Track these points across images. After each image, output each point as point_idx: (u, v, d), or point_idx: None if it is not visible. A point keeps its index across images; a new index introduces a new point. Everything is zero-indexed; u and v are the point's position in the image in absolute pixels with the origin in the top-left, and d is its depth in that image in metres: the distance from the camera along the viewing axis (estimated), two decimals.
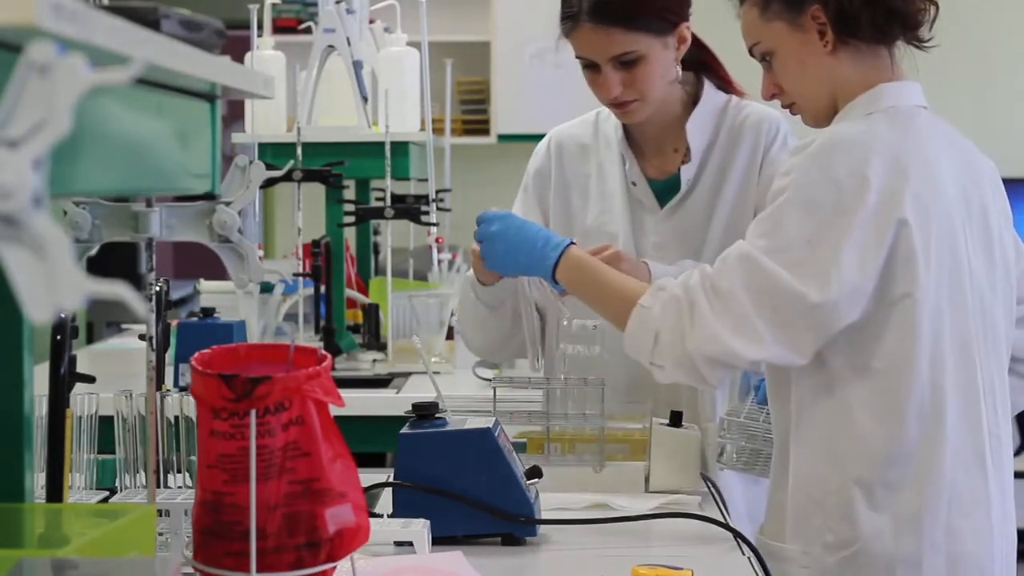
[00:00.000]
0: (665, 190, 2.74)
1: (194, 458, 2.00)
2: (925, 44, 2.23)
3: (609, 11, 2.58)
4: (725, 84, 2.76)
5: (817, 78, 2.20)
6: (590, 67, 2.63)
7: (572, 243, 2.40)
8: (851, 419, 2.14)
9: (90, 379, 1.96)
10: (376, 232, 4.97)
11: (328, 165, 3.94)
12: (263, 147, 4.00)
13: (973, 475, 2.15)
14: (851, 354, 2.13)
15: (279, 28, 4.94)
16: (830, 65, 2.19)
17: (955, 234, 2.16)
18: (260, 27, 4.16)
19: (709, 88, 2.74)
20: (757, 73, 2.30)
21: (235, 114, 4.06)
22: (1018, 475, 7.01)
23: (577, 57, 2.65)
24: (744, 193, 2.68)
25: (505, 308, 2.67)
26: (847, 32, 2.17)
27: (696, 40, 2.70)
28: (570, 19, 2.62)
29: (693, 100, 2.73)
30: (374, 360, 4.06)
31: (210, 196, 1.76)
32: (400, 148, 4.11)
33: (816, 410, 2.17)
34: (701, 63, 2.75)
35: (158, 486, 2.03)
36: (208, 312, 3.03)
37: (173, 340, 2.78)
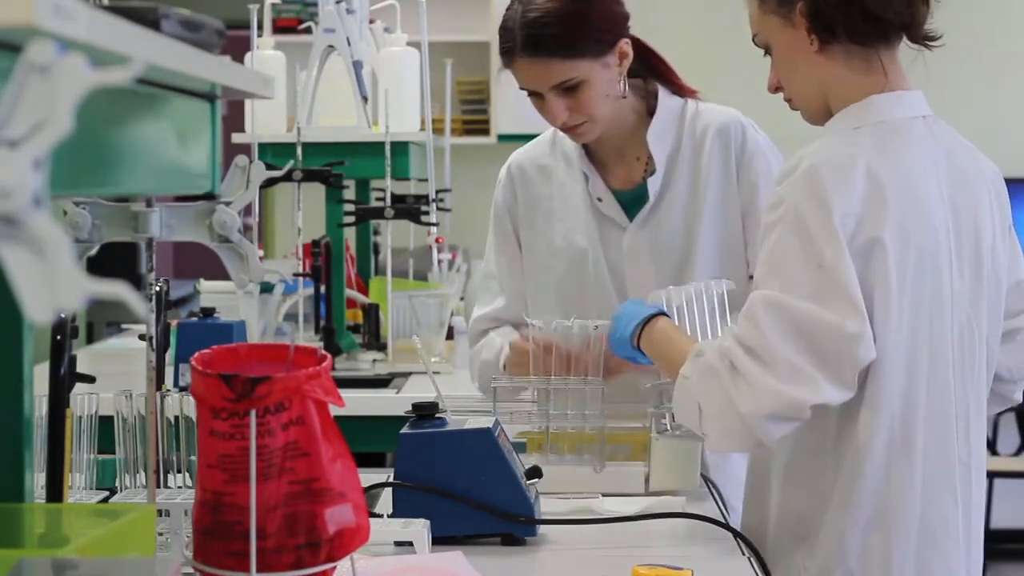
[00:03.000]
0: (632, 200, 2.73)
1: (194, 458, 2.00)
2: (932, 44, 2.17)
3: (543, 44, 2.56)
4: (676, 87, 2.75)
5: (806, 76, 2.17)
6: (535, 95, 2.63)
7: (661, 314, 2.31)
8: (830, 458, 2.11)
9: (90, 379, 1.96)
10: (376, 232, 4.97)
11: (328, 165, 3.94)
12: (263, 147, 4.00)
13: (943, 507, 2.11)
14: None
15: (279, 28, 4.95)
16: (819, 64, 2.15)
17: (939, 258, 2.10)
18: (260, 27, 4.16)
19: (664, 94, 2.73)
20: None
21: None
22: (1018, 475, 6.95)
23: (521, 87, 2.64)
24: (725, 201, 2.68)
25: None
26: (826, 32, 2.13)
27: (642, 48, 2.70)
28: (507, 54, 2.61)
29: (647, 106, 2.73)
30: (374, 360, 4.06)
31: (210, 196, 1.76)
32: (400, 148, 4.11)
33: (804, 447, 2.14)
34: (650, 69, 2.74)
35: (158, 486, 2.03)
36: (208, 312, 3.03)
37: (173, 340, 2.78)
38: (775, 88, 2.23)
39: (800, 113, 2.23)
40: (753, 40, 2.23)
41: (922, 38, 2.17)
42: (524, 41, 2.57)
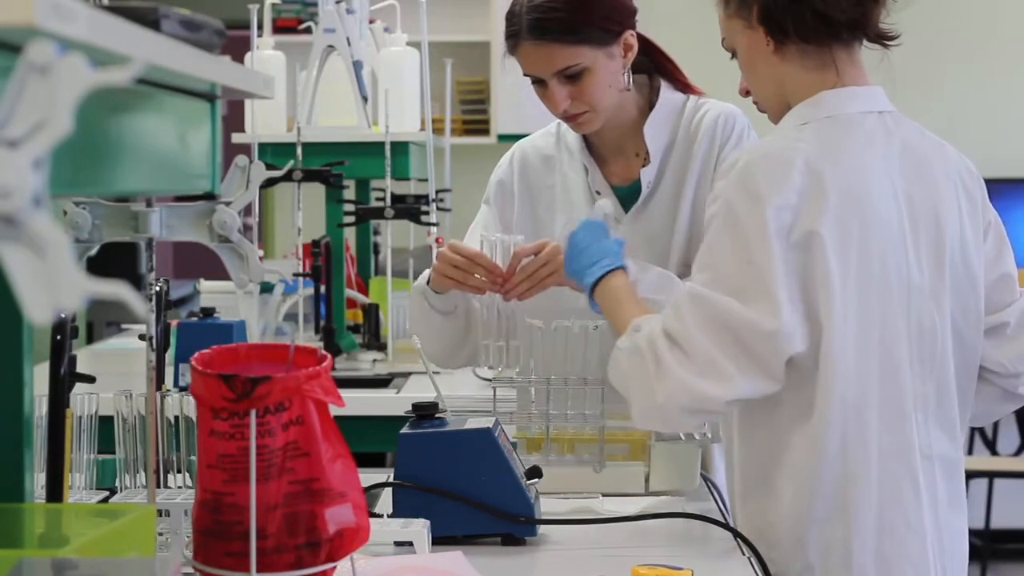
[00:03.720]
0: (630, 195, 2.74)
1: (194, 458, 2.00)
2: (889, 43, 2.17)
3: (549, 27, 2.58)
4: (682, 85, 2.76)
5: (766, 78, 2.18)
6: (538, 82, 2.64)
7: (621, 268, 2.32)
8: (783, 451, 2.11)
9: (90, 379, 1.96)
10: (376, 232, 4.97)
11: (328, 165, 3.94)
12: (263, 147, 4.00)
13: (902, 499, 2.10)
14: (792, 385, 2.07)
15: (279, 28, 4.94)
16: (776, 65, 2.16)
17: (890, 251, 2.09)
18: (260, 27, 4.16)
19: (666, 89, 2.74)
20: (721, 72, 2.28)
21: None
22: (1018, 475, 6.94)
23: (525, 74, 2.65)
24: (702, 192, 2.68)
25: (458, 313, 2.67)
26: (779, 32, 2.14)
27: (647, 44, 2.71)
28: (512, 37, 2.63)
29: (650, 103, 2.73)
30: (374, 360, 4.06)
31: (210, 196, 1.76)
32: (400, 148, 4.11)
33: (757, 440, 2.15)
34: (655, 65, 2.75)
35: (158, 486, 2.03)
36: (208, 312, 3.03)
37: (173, 340, 2.78)
38: (746, 92, 2.24)
39: (767, 115, 2.23)
40: (722, 44, 2.24)
41: (878, 37, 2.17)
42: (530, 25, 2.59)
